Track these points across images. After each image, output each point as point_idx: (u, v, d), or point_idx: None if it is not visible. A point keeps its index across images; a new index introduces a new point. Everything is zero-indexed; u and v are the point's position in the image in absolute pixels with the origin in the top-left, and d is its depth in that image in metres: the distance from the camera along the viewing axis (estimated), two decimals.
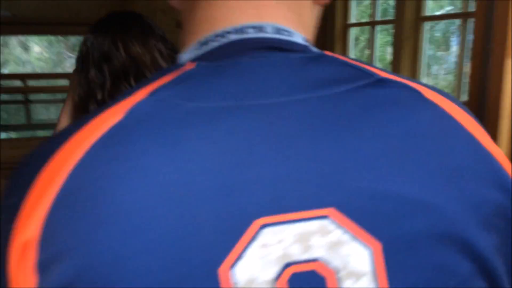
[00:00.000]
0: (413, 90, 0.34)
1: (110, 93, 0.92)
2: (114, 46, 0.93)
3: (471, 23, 1.53)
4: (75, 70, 0.97)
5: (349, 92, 0.33)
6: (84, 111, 0.92)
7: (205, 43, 0.35)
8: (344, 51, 2.28)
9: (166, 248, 0.28)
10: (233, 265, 0.29)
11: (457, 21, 4.23)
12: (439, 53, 4.63)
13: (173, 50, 0.99)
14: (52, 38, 5.88)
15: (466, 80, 1.58)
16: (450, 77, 4.64)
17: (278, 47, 0.34)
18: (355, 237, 0.30)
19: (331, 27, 2.28)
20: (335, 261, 0.30)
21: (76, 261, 0.29)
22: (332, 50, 2.28)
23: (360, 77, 0.34)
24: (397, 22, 1.85)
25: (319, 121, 0.31)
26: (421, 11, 1.79)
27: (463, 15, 1.58)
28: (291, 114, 0.31)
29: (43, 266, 0.29)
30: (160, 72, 0.35)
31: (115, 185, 0.29)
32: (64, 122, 1.03)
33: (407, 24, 1.81)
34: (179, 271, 0.28)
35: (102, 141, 0.31)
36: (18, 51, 6.29)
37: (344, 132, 0.31)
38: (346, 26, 2.27)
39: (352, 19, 2.27)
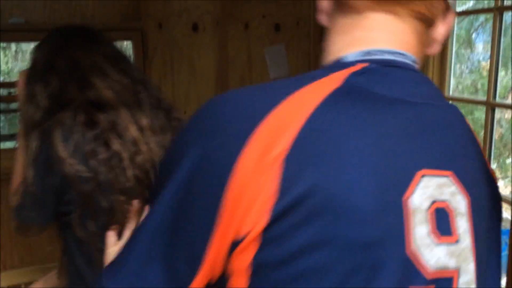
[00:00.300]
0: (458, 109, 0.57)
1: (56, 98, 0.92)
2: (56, 53, 0.95)
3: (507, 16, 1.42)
4: (25, 96, 0.96)
5: (444, 103, 0.55)
6: (35, 126, 0.91)
7: (368, 53, 0.51)
8: None
9: (373, 182, 0.45)
10: (409, 196, 0.46)
11: (481, 18, 4.08)
12: (461, 51, 4.49)
13: (119, 52, 1.02)
14: None
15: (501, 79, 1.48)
16: (474, 76, 4.50)
17: (411, 68, 0.53)
18: (460, 192, 0.50)
19: None
20: (453, 204, 0.50)
21: (314, 178, 0.43)
22: None
23: (440, 94, 0.56)
24: None
25: (436, 118, 0.52)
26: None
27: (499, 9, 1.47)
28: (424, 111, 0.51)
29: (287, 177, 0.42)
30: (337, 65, 0.51)
31: (344, 131, 0.45)
32: (19, 163, 0.98)
33: None
34: (381, 197, 0.45)
35: (331, 99, 0.46)
36: None
37: (445, 128, 0.52)
38: None
39: None
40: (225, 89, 2.46)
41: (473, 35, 4.38)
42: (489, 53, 1.54)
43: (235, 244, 0.44)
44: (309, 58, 2.48)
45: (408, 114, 0.49)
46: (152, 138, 0.93)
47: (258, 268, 0.44)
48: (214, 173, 0.44)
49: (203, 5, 2.36)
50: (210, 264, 0.45)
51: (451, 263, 0.48)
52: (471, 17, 3.97)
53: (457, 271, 0.49)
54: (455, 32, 1.75)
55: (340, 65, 0.51)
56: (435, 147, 0.50)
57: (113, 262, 0.50)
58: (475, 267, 0.50)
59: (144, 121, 0.93)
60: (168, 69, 2.42)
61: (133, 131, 0.91)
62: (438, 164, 0.49)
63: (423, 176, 0.47)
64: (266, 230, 0.42)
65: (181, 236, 0.46)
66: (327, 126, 0.44)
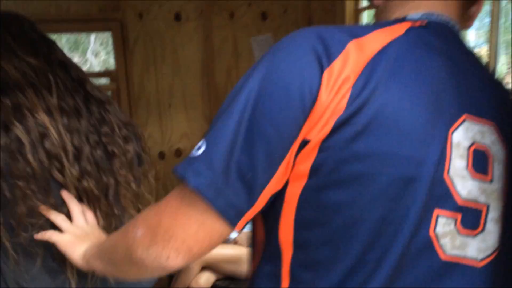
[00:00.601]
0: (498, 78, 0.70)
1: None
2: None
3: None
4: None
5: (487, 69, 0.66)
6: None
7: (428, 14, 0.62)
8: None
9: (425, 109, 0.54)
10: (454, 131, 0.55)
11: None
12: None
13: (39, 35, 0.95)
14: None
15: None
16: None
17: (454, 30, 0.63)
18: (500, 142, 0.59)
19: (341, 12, 2.12)
20: (493, 150, 0.58)
21: (374, 96, 0.52)
22: None
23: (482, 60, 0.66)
24: None
25: (481, 76, 0.62)
26: None
27: None
28: (472, 68, 0.61)
29: (354, 94, 0.52)
30: (401, 19, 0.61)
31: (405, 65, 0.55)
32: None
33: None
34: (431, 123, 0.54)
35: (397, 40, 0.56)
36: None
37: (489, 86, 0.63)
38: (358, 11, 2.11)
39: (364, 3, 2.11)
40: (211, 81, 2.37)
41: None
42: (481, 40, 1.48)
43: (302, 146, 0.53)
44: None
45: (458, 66, 0.58)
46: (64, 120, 0.88)
47: (314, 173, 0.53)
48: (303, 83, 0.52)
49: None
50: (283, 168, 0.53)
51: (481, 198, 0.57)
52: None
53: (487, 206, 0.58)
54: None
55: (404, 20, 0.61)
56: (479, 99, 0.58)
57: (195, 161, 0.52)
58: (504, 207, 0.59)
59: (54, 104, 0.88)
60: (151, 61, 2.31)
61: (40, 114, 0.86)
62: (481, 113, 0.58)
63: (466, 119, 0.56)
64: (326, 139, 0.52)
65: (258, 144, 0.51)
66: (391, 59, 0.54)
